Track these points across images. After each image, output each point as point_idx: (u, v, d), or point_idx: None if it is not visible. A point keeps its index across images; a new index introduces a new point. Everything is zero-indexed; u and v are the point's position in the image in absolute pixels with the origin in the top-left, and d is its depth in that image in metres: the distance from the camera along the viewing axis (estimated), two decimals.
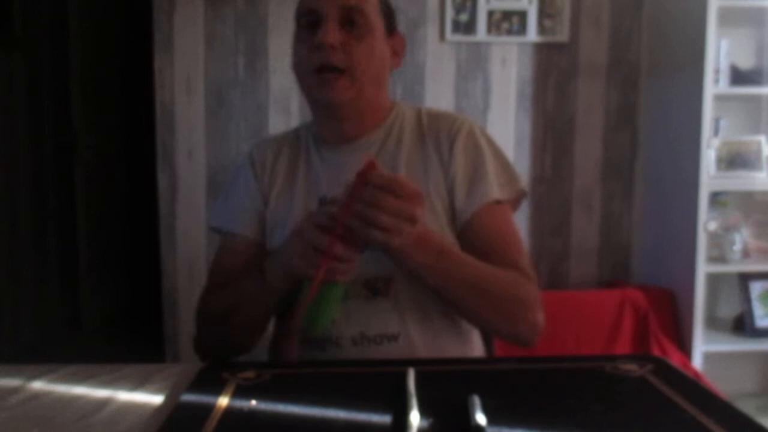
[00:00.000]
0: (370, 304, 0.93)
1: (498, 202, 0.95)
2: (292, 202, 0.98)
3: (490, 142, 0.99)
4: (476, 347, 1.03)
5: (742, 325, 2.27)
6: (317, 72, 0.89)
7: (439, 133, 0.97)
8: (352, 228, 0.75)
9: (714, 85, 2.12)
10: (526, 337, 0.89)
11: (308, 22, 0.90)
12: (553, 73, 2.48)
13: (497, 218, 0.94)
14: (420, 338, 0.94)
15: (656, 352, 2.11)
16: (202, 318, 0.98)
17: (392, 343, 0.92)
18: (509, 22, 2.41)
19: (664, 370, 0.75)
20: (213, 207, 1.08)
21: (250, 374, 0.74)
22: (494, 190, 0.94)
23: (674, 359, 2.06)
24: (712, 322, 2.34)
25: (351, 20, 0.89)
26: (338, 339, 0.93)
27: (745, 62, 2.30)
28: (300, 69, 0.93)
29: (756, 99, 2.30)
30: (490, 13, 2.40)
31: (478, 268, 0.87)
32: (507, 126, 2.47)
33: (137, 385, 0.75)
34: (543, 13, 2.42)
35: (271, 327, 1.08)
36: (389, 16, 0.97)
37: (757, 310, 2.24)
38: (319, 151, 1.00)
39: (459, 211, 0.94)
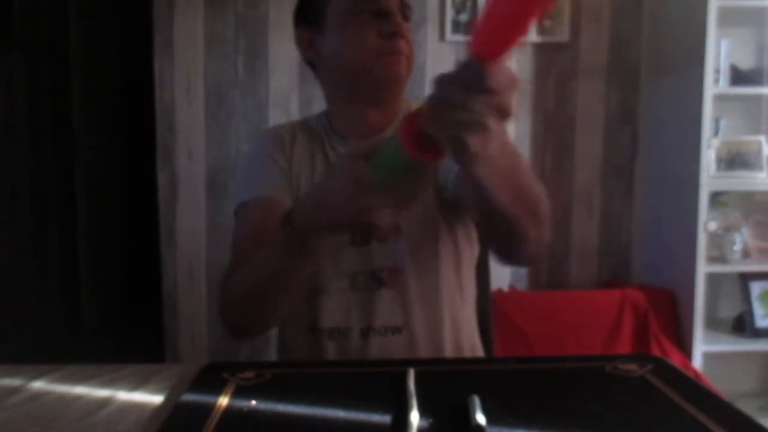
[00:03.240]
0: (375, 295, 0.95)
1: None
2: None
3: None
4: (475, 346, 1.04)
5: (743, 325, 2.26)
6: (384, 55, 0.94)
7: None
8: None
9: (714, 85, 2.11)
10: (541, 254, 0.82)
11: (371, 11, 0.94)
12: (553, 73, 2.48)
13: None
14: (423, 330, 0.96)
15: (656, 352, 2.11)
16: (231, 292, 0.86)
17: (396, 335, 0.95)
18: None
19: (664, 370, 0.75)
20: (238, 188, 1.02)
21: (250, 374, 0.74)
22: None
23: (674, 359, 2.06)
24: (712, 322, 2.34)
25: (404, 15, 0.97)
26: (347, 330, 0.95)
27: (745, 62, 2.30)
28: (361, 53, 0.94)
29: (756, 99, 2.30)
30: None
31: (526, 168, 0.79)
32: (507, 126, 2.46)
33: (137, 385, 0.75)
34: (543, 13, 2.41)
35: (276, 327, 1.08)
36: None
37: (758, 310, 2.24)
38: (334, 146, 1.02)
39: (447, 171, 0.93)
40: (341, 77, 0.98)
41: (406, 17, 0.97)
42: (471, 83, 0.55)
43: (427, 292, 0.97)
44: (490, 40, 0.54)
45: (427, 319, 0.96)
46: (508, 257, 0.87)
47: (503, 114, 0.59)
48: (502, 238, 0.83)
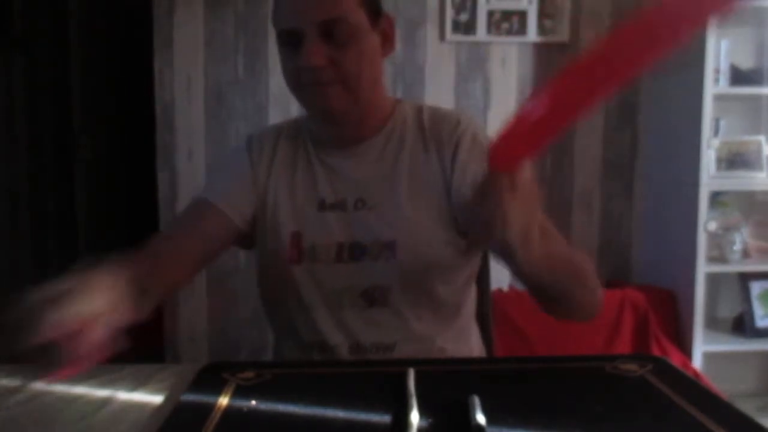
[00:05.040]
0: (366, 313, 0.92)
1: None
2: (293, 201, 0.95)
3: None
4: (475, 348, 1.03)
5: (742, 325, 2.26)
6: (310, 85, 0.86)
7: (440, 135, 0.94)
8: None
9: (714, 85, 2.11)
10: (597, 311, 0.85)
11: (289, 41, 0.85)
12: (553, 73, 2.47)
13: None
14: (417, 346, 0.93)
15: (656, 352, 2.11)
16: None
17: (387, 354, 0.92)
18: (509, 22, 2.41)
19: (664, 370, 0.76)
20: (205, 183, 1.02)
21: (250, 374, 0.74)
22: None
23: (674, 359, 2.06)
24: (712, 322, 2.34)
25: (331, 32, 0.83)
26: (334, 348, 0.93)
27: (745, 62, 2.29)
28: (291, 84, 0.88)
29: (756, 99, 2.30)
30: (490, 13, 2.39)
31: (560, 246, 0.82)
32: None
33: (137, 385, 0.75)
34: (543, 13, 2.41)
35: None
36: (371, 2, 0.89)
37: (757, 310, 2.24)
38: (318, 153, 0.97)
39: (461, 202, 0.92)
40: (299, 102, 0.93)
41: (333, 35, 0.83)
42: (489, 191, 0.61)
43: (423, 309, 0.93)
44: (505, 152, 0.60)
45: (422, 335, 0.94)
46: (561, 317, 0.88)
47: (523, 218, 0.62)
48: (547, 301, 0.84)
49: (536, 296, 0.82)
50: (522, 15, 2.40)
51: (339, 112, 0.88)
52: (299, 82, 0.87)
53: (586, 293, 0.83)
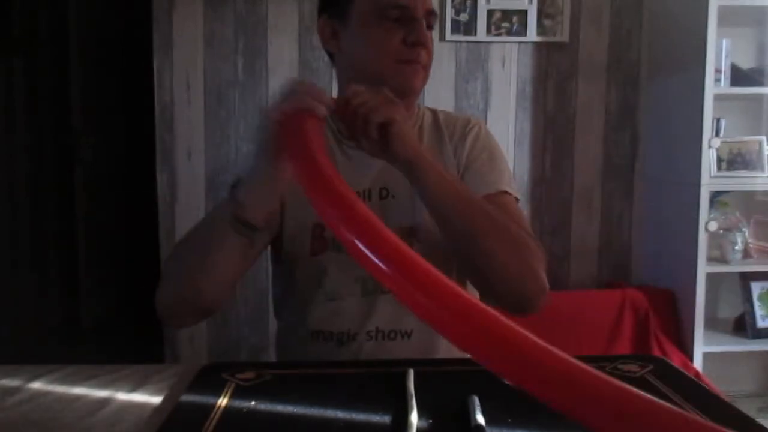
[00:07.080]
0: (386, 299, 0.94)
1: (506, 193, 0.98)
2: None
3: (499, 147, 1.05)
4: None
5: (743, 326, 2.26)
6: (404, 63, 0.93)
7: (454, 128, 1.03)
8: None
9: (715, 84, 2.11)
10: (533, 293, 0.86)
11: (397, 16, 0.92)
12: (553, 73, 2.47)
13: (505, 203, 0.96)
14: (433, 333, 0.94)
15: (656, 352, 2.11)
16: (168, 266, 0.92)
17: (405, 340, 0.94)
18: (509, 21, 2.41)
19: (664, 370, 0.75)
20: (243, 165, 1.05)
21: (249, 375, 0.74)
22: (504, 182, 0.98)
23: (674, 359, 2.06)
24: (713, 323, 2.34)
25: (428, 23, 0.95)
26: (355, 334, 0.94)
27: (746, 62, 2.29)
28: (389, 57, 0.93)
29: (756, 99, 2.30)
30: (490, 13, 2.39)
31: (480, 201, 0.88)
32: (507, 126, 2.47)
33: (137, 385, 0.75)
34: (543, 13, 2.41)
35: (274, 326, 1.08)
36: None
37: (758, 310, 2.24)
38: (342, 148, 0.99)
39: None
40: (358, 78, 0.95)
41: (429, 25, 0.95)
42: None
43: None
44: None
45: None
46: (497, 296, 0.86)
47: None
48: (475, 266, 0.86)
49: (450, 243, 0.86)
50: (522, 15, 2.40)
51: (417, 91, 0.98)
52: (400, 58, 0.93)
53: (510, 255, 0.83)
